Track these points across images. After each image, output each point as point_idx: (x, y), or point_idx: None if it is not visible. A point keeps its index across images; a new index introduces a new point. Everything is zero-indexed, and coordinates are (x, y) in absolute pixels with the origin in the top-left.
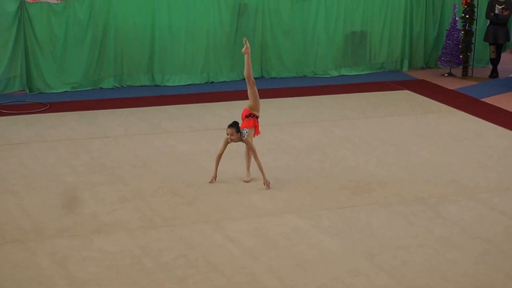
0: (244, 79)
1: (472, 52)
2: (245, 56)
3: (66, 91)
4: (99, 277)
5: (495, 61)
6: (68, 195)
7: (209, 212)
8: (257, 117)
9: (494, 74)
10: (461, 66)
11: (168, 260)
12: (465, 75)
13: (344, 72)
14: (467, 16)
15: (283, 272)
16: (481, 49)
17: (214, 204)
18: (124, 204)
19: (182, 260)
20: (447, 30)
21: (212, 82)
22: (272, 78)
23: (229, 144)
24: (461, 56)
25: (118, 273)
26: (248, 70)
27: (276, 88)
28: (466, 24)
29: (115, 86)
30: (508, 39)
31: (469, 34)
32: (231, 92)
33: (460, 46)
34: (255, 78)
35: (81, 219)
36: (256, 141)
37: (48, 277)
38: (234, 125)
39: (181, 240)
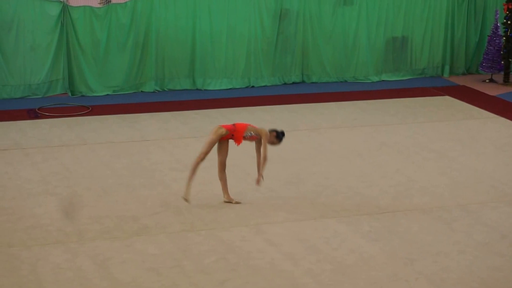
0: (285, 83)
1: None
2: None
3: (107, 95)
4: (139, 279)
5: None
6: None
7: (249, 216)
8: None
9: None
10: (502, 72)
11: (208, 263)
12: (506, 81)
13: (384, 77)
14: (509, 22)
15: (323, 276)
16: None
17: (254, 208)
18: (165, 207)
19: (222, 263)
20: (488, 36)
21: (253, 86)
22: (312, 83)
23: (270, 149)
24: (502, 62)
25: (159, 275)
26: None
27: (317, 93)
28: (508, 30)
29: (156, 90)
30: None
31: (511, 40)
32: (272, 97)
33: (501, 52)
34: (296, 83)
35: (122, 222)
36: (297, 146)
37: (89, 278)
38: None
39: (221, 243)
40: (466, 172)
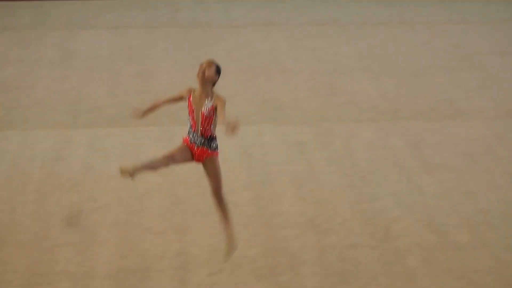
0: None
1: None
2: None
3: None
4: (450, 162)
5: None
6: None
7: None
8: None
9: None
10: None
11: None
12: None
13: None
14: None
15: None
16: None
17: None
18: (481, 91)
19: None
20: None
21: None
22: None
23: None
24: None
25: (471, 160)
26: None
27: None
28: None
29: None
30: None
31: None
32: None
33: None
34: None
35: (438, 104)
36: None
37: (403, 159)
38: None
39: None
40: None
